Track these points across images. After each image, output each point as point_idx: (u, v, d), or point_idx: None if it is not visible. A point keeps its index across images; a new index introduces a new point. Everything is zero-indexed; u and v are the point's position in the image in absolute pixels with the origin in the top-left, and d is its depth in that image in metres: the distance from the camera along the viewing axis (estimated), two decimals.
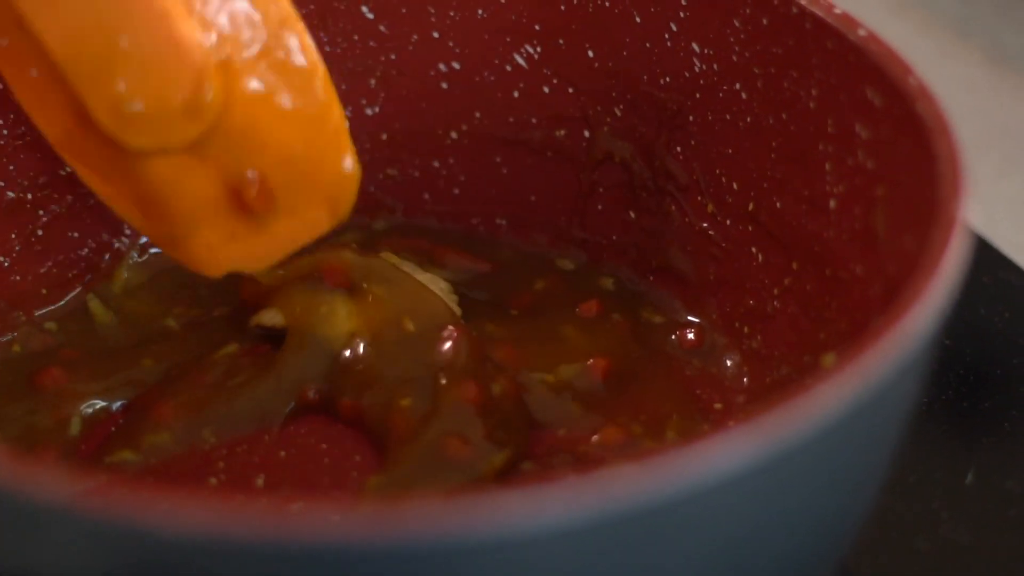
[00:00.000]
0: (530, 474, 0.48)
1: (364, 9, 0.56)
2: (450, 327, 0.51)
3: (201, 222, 0.48)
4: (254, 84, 0.45)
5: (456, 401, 0.49)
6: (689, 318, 0.55)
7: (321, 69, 0.46)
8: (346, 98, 0.57)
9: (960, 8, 0.85)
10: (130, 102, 0.44)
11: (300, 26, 0.46)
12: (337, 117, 0.47)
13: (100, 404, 0.51)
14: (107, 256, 0.56)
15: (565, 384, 0.52)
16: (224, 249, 0.49)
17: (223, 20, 0.44)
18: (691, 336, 0.54)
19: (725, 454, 0.32)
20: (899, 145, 0.43)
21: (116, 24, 0.43)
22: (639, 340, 0.54)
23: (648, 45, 0.53)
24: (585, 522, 0.31)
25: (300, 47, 0.46)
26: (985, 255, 0.61)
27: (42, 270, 0.55)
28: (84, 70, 0.44)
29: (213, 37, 0.44)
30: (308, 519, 0.30)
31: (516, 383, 0.51)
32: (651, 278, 0.56)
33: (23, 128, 0.53)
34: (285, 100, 0.46)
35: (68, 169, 0.54)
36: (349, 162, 0.48)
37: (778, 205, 0.50)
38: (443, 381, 0.50)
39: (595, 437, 0.50)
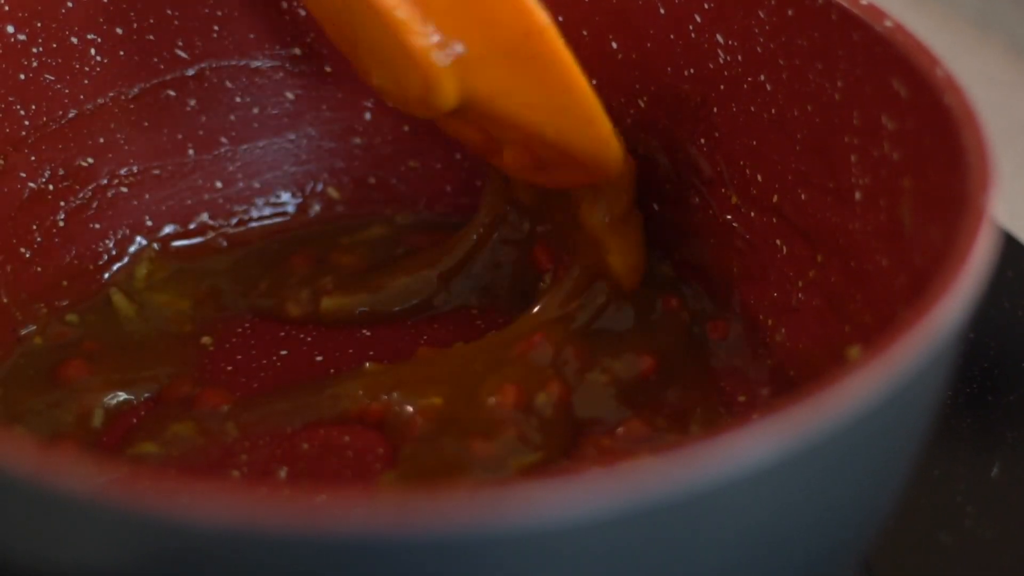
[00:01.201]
0: (554, 467, 0.48)
1: None
2: (540, 334, 0.52)
3: (495, 153, 0.53)
4: (491, 82, 0.47)
5: (490, 404, 0.49)
6: (715, 310, 0.55)
7: (569, 70, 0.47)
8: (368, 89, 0.57)
9: (980, 2, 0.85)
10: (385, 92, 0.50)
11: (549, 34, 0.46)
12: (588, 108, 0.48)
13: (122, 397, 0.51)
14: (129, 248, 0.56)
15: (615, 381, 0.52)
16: (520, 172, 0.53)
17: (461, 28, 0.46)
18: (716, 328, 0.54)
19: (749, 448, 0.31)
20: (926, 137, 0.43)
21: (365, 33, 0.48)
22: (677, 334, 0.54)
23: (672, 37, 0.53)
24: (608, 515, 0.31)
25: (545, 53, 0.47)
26: (1008, 249, 0.61)
27: (63, 262, 0.55)
28: (359, 64, 0.51)
29: (452, 46, 0.46)
30: (333, 510, 0.30)
31: (568, 389, 0.51)
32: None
33: (44, 119, 0.53)
34: (527, 95, 0.48)
35: (90, 160, 0.54)
36: (610, 146, 0.50)
37: (803, 197, 0.50)
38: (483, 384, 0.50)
39: (619, 430, 0.50)
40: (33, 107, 0.53)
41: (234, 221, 0.58)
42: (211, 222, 0.58)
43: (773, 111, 0.51)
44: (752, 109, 0.51)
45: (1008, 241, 0.61)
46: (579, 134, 0.49)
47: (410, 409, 0.49)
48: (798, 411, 0.32)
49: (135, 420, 0.51)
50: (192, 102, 0.56)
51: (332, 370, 0.53)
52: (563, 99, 0.47)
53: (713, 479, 0.31)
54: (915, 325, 0.34)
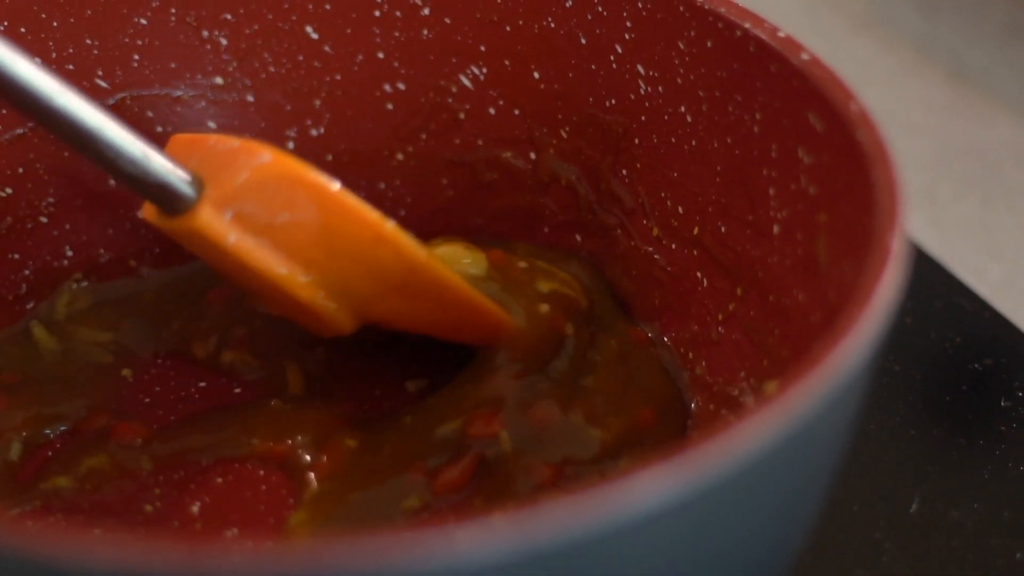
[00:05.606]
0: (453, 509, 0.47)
1: (309, 29, 0.55)
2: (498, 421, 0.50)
3: None
4: (380, 302, 0.49)
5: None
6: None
7: (425, 266, 0.49)
8: (291, 119, 0.57)
9: (922, 26, 0.85)
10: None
11: (394, 237, 0.48)
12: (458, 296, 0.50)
13: (41, 430, 0.51)
14: (50, 279, 0.56)
15: (613, 444, 0.50)
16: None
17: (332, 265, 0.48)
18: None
19: (651, 490, 0.31)
20: (840, 172, 0.43)
21: (259, 284, 0.49)
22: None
23: (594, 67, 0.53)
24: (508, 558, 0.30)
25: (396, 256, 0.48)
26: (937, 279, 0.60)
27: None
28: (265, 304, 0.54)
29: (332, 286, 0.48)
30: (224, 558, 0.29)
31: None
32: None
33: None
34: (409, 301, 0.49)
35: (8, 190, 0.54)
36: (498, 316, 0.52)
37: (723, 229, 0.50)
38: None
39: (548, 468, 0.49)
40: None
41: (156, 251, 0.57)
42: (133, 252, 0.57)
43: (694, 142, 0.50)
44: (673, 140, 0.51)
45: (936, 270, 0.61)
46: (466, 314, 0.50)
47: (308, 458, 0.49)
48: (701, 452, 0.32)
49: (51, 453, 0.50)
50: None
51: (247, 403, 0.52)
52: (438, 294, 0.49)
53: (616, 522, 0.31)
54: (820, 363, 0.34)
